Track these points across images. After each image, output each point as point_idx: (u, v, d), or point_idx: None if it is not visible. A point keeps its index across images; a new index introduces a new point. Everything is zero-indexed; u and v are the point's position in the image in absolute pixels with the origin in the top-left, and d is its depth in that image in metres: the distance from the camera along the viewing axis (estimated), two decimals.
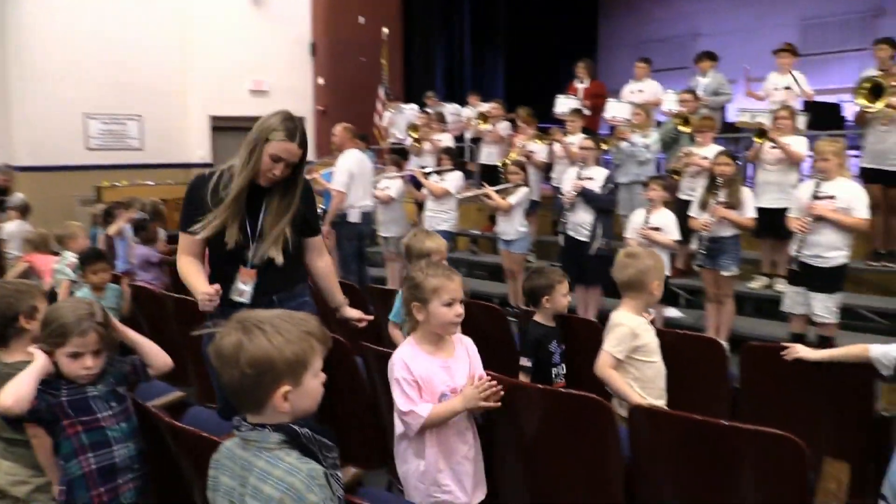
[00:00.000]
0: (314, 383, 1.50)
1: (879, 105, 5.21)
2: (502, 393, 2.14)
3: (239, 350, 1.42)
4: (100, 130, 10.60)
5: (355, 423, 2.97)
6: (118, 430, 2.15)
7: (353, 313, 2.89)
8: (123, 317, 4.12)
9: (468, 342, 2.36)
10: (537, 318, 3.19)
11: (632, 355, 2.76)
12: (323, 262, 2.85)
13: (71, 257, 4.80)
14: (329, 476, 1.46)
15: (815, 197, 4.44)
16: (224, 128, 11.48)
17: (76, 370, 2.10)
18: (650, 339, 2.82)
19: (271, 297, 2.61)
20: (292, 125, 2.51)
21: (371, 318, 2.91)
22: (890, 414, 2.49)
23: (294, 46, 11.70)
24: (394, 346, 2.77)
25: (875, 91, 5.24)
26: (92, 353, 2.11)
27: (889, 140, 5.43)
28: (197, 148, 11.23)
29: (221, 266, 2.60)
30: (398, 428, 2.26)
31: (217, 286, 2.46)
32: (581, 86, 8.36)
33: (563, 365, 3.21)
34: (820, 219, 4.41)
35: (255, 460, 1.44)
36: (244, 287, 2.56)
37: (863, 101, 5.30)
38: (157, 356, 2.39)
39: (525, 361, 3.11)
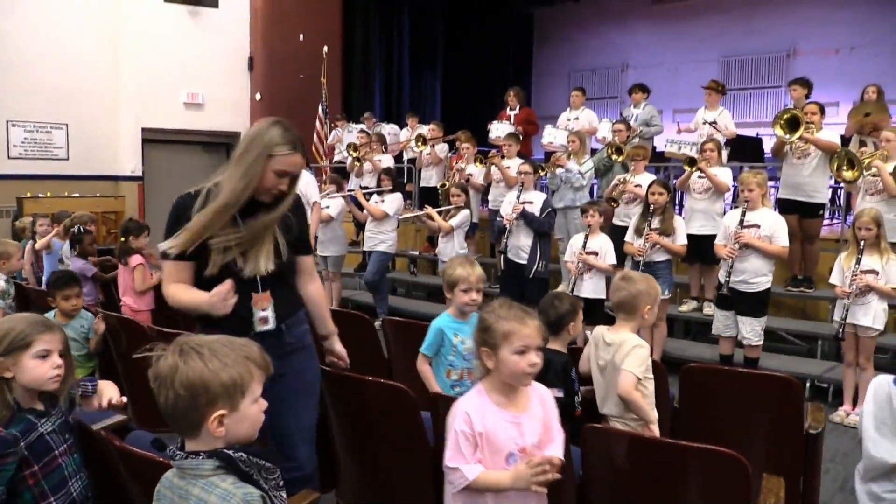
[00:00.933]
0: (253, 409, 1.50)
1: (795, 136, 5.59)
2: (557, 477, 1.90)
3: (174, 372, 1.43)
4: (23, 139, 10.15)
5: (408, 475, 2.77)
6: (72, 462, 2.05)
7: (339, 349, 2.75)
8: (88, 350, 3.85)
9: (545, 393, 2.11)
10: (554, 345, 2.97)
11: (645, 374, 2.79)
12: (314, 286, 2.66)
13: (1, 281, 4.52)
14: (269, 498, 1.48)
15: (742, 226, 4.73)
16: (156, 140, 11.19)
17: (45, 372, 1.96)
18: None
19: (280, 325, 2.43)
20: (292, 135, 2.33)
21: (347, 364, 2.77)
22: (816, 430, 2.68)
23: (231, 60, 11.53)
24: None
25: (792, 123, 5.62)
26: (60, 354, 2.00)
27: (803, 173, 5.81)
28: (127, 160, 10.88)
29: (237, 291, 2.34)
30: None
31: (229, 282, 2.24)
32: (512, 113, 8.59)
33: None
34: (746, 246, 4.70)
35: (191, 488, 1.44)
36: (265, 313, 2.37)
37: (780, 132, 5.67)
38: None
39: (557, 393, 2.75)
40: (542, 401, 2.07)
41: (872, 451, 2.25)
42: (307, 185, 6.14)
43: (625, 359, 2.77)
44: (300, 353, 2.49)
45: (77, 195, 10.09)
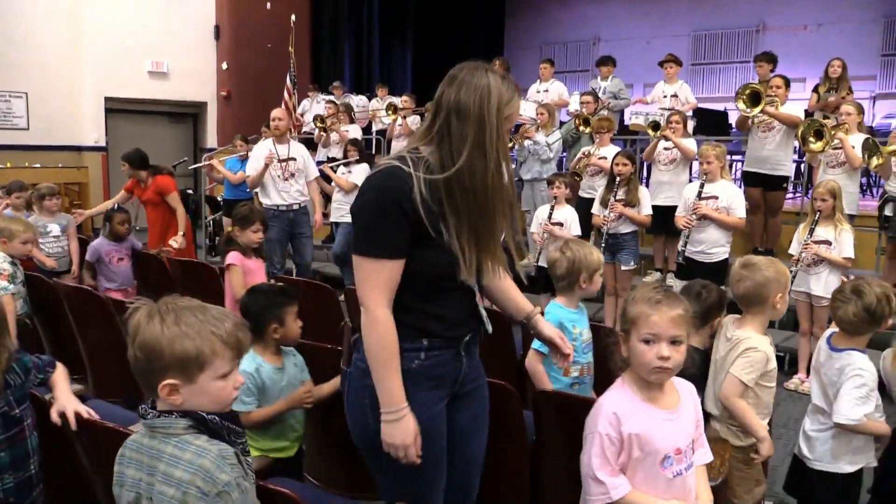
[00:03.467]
0: (216, 385, 1.44)
1: (756, 110, 5.65)
2: None
3: (136, 331, 1.41)
4: None
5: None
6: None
7: (550, 330, 2.14)
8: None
9: (690, 387, 1.88)
10: (692, 341, 2.41)
11: (758, 381, 2.48)
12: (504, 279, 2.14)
13: (5, 262, 3.78)
14: (240, 455, 1.47)
15: (700, 197, 4.79)
16: (120, 110, 10.97)
17: None
18: (775, 363, 2.55)
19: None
20: (508, 78, 1.82)
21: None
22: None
23: (197, 29, 11.31)
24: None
25: (754, 98, 5.68)
26: None
27: (767, 146, 5.89)
28: (90, 130, 10.66)
29: (431, 295, 1.80)
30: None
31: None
32: None
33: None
34: (704, 217, 4.77)
35: (164, 447, 1.42)
36: (484, 313, 1.93)
37: (742, 106, 5.73)
38: None
39: None
40: (691, 395, 1.87)
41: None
42: (306, 158, 6.02)
43: (735, 360, 2.47)
44: (481, 367, 2.04)
45: (38, 166, 9.89)
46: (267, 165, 5.73)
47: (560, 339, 2.09)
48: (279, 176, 5.78)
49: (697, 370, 2.43)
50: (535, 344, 2.64)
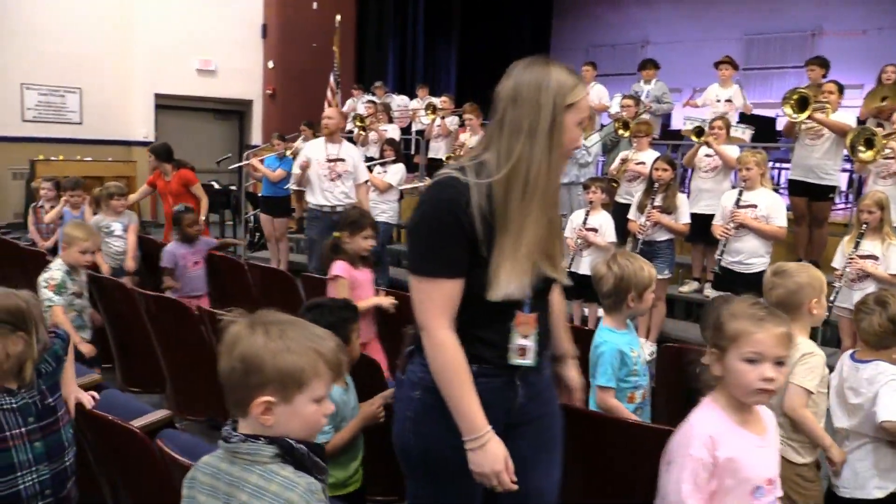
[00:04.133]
0: (310, 409, 1.34)
1: (803, 116, 5.44)
2: None
3: (236, 341, 1.32)
4: (37, 102, 10.22)
5: None
6: (29, 450, 1.88)
7: (574, 376, 2.00)
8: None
9: (769, 413, 1.77)
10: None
11: (818, 388, 2.39)
12: (556, 294, 1.93)
13: (59, 271, 3.56)
14: (326, 492, 1.37)
15: (738, 205, 4.63)
16: (168, 106, 11.21)
17: None
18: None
19: (540, 357, 1.78)
20: (572, 69, 1.70)
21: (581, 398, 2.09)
22: None
23: (245, 27, 11.50)
24: None
25: (801, 103, 5.47)
26: (19, 328, 1.83)
27: (814, 154, 5.68)
28: (140, 126, 10.93)
29: (480, 318, 1.68)
30: None
31: None
32: None
33: None
34: (742, 226, 4.61)
35: (247, 475, 1.30)
36: (526, 342, 1.71)
37: (789, 111, 5.53)
38: None
39: None
40: (772, 420, 1.77)
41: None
42: (357, 161, 5.81)
43: (793, 369, 2.33)
44: (550, 389, 1.88)
45: (89, 159, 10.17)
46: (303, 169, 5.65)
47: (578, 392, 2.01)
48: (325, 176, 5.62)
49: None
50: (601, 380, 2.46)
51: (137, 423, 2.09)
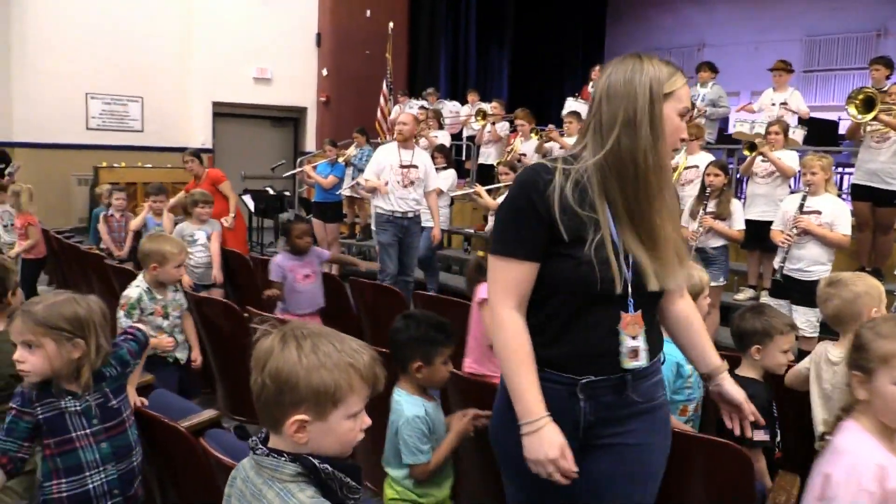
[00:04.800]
0: (346, 425, 1.29)
1: (868, 117, 5.23)
2: None
3: (268, 357, 1.26)
4: (101, 110, 10.61)
5: None
6: (96, 451, 1.91)
7: (737, 393, 1.79)
8: None
9: None
10: (748, 372, 2.38)
11: None
12: (684, 302, 1.80)
13: (139, 289, 3.22)
14: None
15: (801, 210, 4.47)
16: (226, 114, 11.50)
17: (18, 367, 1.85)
18: None
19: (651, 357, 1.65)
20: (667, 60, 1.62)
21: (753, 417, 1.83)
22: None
23: (299, 36, 11.71)
24: None
25: (867, 104, 5.26)
26: (24, 345, 1.84)
27: (879, 158, 5.45)
28: (198, 133, 11.24)
29: (576, 315, 1.58)
30: None
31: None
32: (593, 90, 8.35)
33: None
34: (805, 233, 4.44)
35: (266, 490, 1.28)
36: (635, 343, 1.59)
37: (853, 111, 5.32)
38: None
39: (763, 436, 2.17)
40: None
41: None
42: (428, 167, 5.73)
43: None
44: (646, 419, 1.66)
45: (150, 166, 10.50)
46: (374, 189, 5.53)
47: (746, 404, 1.78)
48: (398, 182, 5.52)
49: (766, 402, 2.28)
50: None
51: (185, 423, 2.13)
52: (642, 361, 1.60)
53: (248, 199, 9.07)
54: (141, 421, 2.06)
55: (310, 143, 12.15)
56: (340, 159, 7.81)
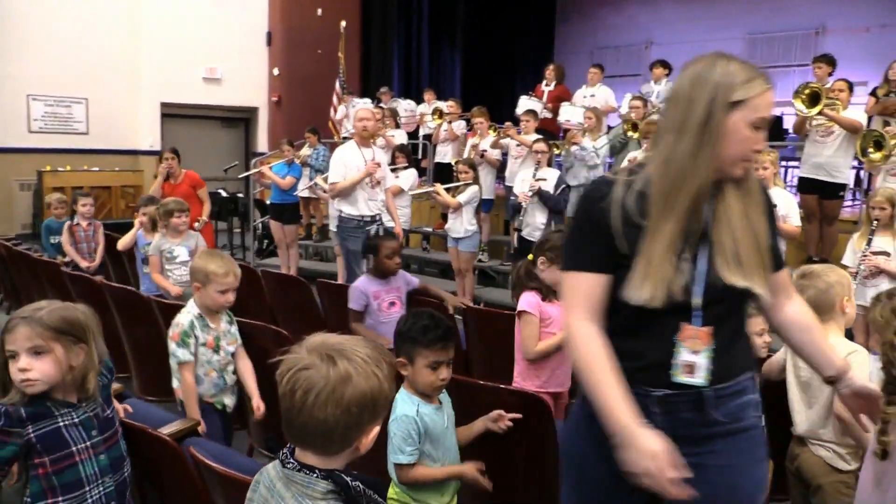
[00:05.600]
0: (376, 429, 1.30)
1: (814, 111, 5.44)
2: None
3: (344, 383, 1.20)
4: (43, 112, 10.25)
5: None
6: (95, 464, 1.85)
7: (869, 388, 1.70)
8: None
9: None
10: None
11: None
12: (796, 305, 1.71)
13: (189, 315, 2.80)
14: None
15: None
16: (175, 115, 11.25)
17: (14, 376, 1.76)
18: None
19: (710, 385, 1.53)
20: (752, 65, 1.53)
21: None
22: None
23: (250, 35, 11.53)
24: None
25: (813, 98, 5.47)
26: (30, 353, 1.75)
27: (825, 152, 5.67)
28: (146, 135, 10.96)
29: (625, 326, 1.55)
30: None
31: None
32: (547, 88, 8.46)
33: None
34: None
35: None
36: (695, 358, 1.51)
37: (800, 106, 5.53)
38: None
39: None
40: None
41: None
42: (385, 165, 5.60)
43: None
44: (731, 441, 1.56)
45: (97, 169, 10.22)
46: (369, 174, 5.26)
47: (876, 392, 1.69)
48: (367, 183, 5.30)
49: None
50: None
51: (166, 430, 2.09)
52: (698, 379, 1.51)
53: None
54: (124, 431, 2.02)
55: (262, 144, 11.99)
56: (296, 160, 7.73)
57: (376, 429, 1.26)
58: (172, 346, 2.71)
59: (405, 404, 2.11)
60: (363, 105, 9.53)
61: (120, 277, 5.42)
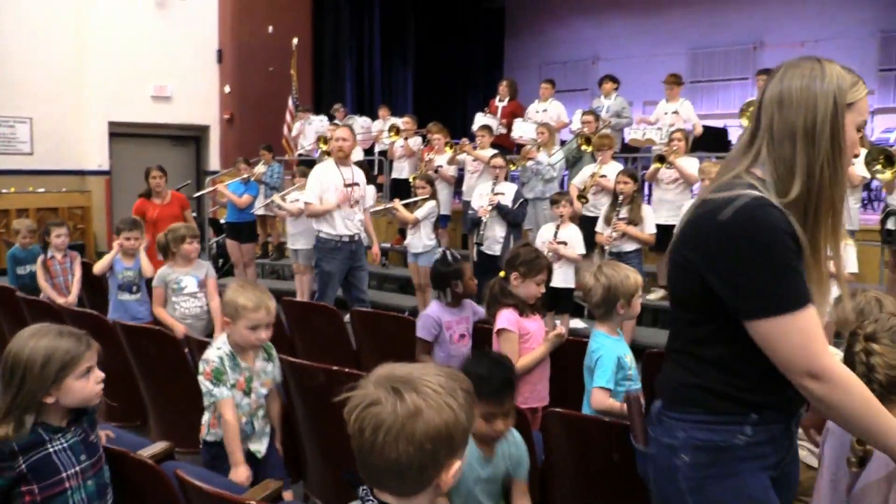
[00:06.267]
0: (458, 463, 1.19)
1: None
2: None
3: (415, 418, 1.10)
4: None
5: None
6: (83, 490, 1.82)
7: None
8: None
9: None
10: None
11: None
12: None
13: (216, 354, 2.56)
14: None
15: None
16: (123, 134, 11.02)
17: (92, 389, 1.82)
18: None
19: None
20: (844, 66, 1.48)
21: None
22: None
23: (200, 52, 11.38)
24: None
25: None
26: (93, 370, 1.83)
27: None
28: (94, 154, 10.69)
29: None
30: None
31: None
32: (500, 104, 8.61)
33: None
34: None
35: None
36: None
37: (745, 122, 5.77)
38: None
39: None
40: None
41: None
42: (364, 184, 5.56)
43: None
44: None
45: (42, 190, 9.94)
46: (346, 200, 5.21)
47: None
48: (342, 202, 5.26)
49: None
50: (601, 381, 2.50)
51: (146, 452, 2.08)
52: None
53: None
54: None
55: (213, 162, 11.84)
56: (252, 178, 7.69)
57: (457, 464, 1.16)
58: (207, 384, 2.47)
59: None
60: (320, 122, 9.59)
61: (95, 304, 5.05)
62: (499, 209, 5.83)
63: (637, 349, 5.16)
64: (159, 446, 2.32)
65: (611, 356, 2.54)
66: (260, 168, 8.15)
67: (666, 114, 7.41)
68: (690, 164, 5.97)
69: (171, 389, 3.45)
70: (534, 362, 2.93)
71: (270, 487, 2.05)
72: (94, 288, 5.31)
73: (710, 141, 8.08)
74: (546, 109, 8.22)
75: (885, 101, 11.98)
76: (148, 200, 5.95)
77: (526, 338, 2.95)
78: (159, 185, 6.01)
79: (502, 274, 3.05)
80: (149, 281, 4.33)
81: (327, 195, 5.20)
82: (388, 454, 1.10)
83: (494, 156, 6.25)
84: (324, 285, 5.32)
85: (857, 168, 5.10)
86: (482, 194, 6.05)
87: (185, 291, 4.01)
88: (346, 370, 2.67)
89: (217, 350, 2.52)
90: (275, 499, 2.04)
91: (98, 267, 4.62)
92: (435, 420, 1.11)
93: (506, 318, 2.95)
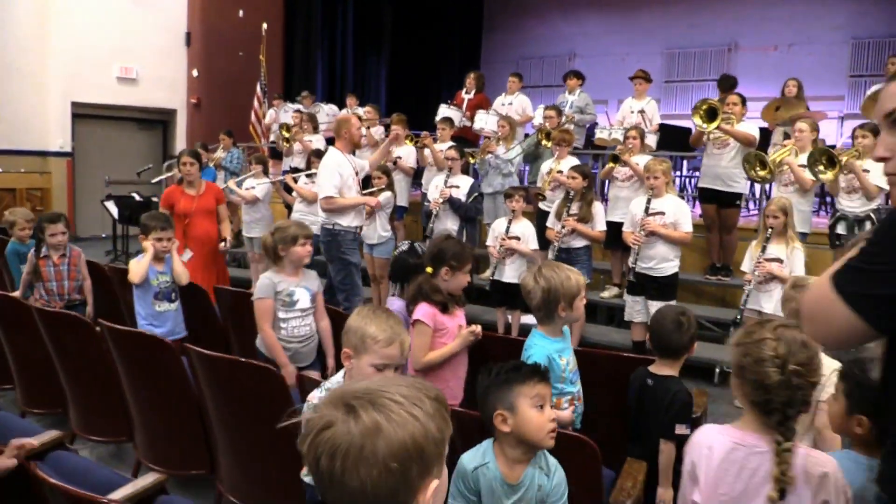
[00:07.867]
0: (445, 476, 1.09)
1: (712, 126, 5.66)
2: None
3: (374, 437, 0.96)
4: None
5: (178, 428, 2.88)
6: None
7: None
8: None
9: None
10: (670, 370, 2.64)
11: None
12: None
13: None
14: None
15: (647, 213, 4.77)
16: (87, 115, 10.83)
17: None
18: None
19: None
20: None
21: None
22: (697, 415, 2.64)
23: (168, 35, 11.21)
24: None
25: (710, 114, 5.68)
26: None
27: (721, 163, 5.90)
28: (56, 135, 10.50)
29: None
30: None
31: None
32: (467, 96, 8.53)
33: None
34: (652, 233, 4.74)
35: None
36: None
37: (698, 121, 5.74)
38: None
39: (685, 430, 2.39)
40: None
41: None
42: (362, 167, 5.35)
43: (824, 388, 2.19)
44: None
45: (0, 170, 9.73)
46: (372, 209, 5.19)
47: None
48: (358, 193, 5.11)
49: (687, 397, 2.49)
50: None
51: (118, 495, 1.90)
52: None
53: (111, 205, 8.61)
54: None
55: (180, 147, 11.65)
56: (211, 163, 7.56)
57: (434, 482, 1.01)
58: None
59: (471, 455, 1.95)
60: (295, 110, 9.44)
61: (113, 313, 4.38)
62: (450, 202, 5.77)
63: (586, 345, 5.17)
64: (47, 436, 2.22)
65: (540, 356, 2.48)
66: (219, 153, 8.03)
67: (632, 112, 7.36)
68: (644, 162, 5.93)
69: (86, 378, 3.36)
70: (441, 358, 2.84)
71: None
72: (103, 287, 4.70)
73: (677, 140, 8.05)
74: (511, 103, 8.15)
75: (855, 106, 12.02)
76: (180, 190, 5.21)
77: (442, 332, 2.88)
78: (191, 172, 5.19)
79: (429, 270, 2.94)
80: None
81: (347, 188, 4.97)
82: (351, 482, 0.96)
83: (449, 148, 6.18)
84: (350, 275, 5.14)
85: (874, 178, 4.88)
86: (437, 186, 5.98)
87: (297, 306, 3.32)
88: (253, 362, 2.61)
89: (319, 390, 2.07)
90: None
91: (136, 274, 3.81)
92: (398, 435, 0.97)
93: (423, 311, 2.88)
